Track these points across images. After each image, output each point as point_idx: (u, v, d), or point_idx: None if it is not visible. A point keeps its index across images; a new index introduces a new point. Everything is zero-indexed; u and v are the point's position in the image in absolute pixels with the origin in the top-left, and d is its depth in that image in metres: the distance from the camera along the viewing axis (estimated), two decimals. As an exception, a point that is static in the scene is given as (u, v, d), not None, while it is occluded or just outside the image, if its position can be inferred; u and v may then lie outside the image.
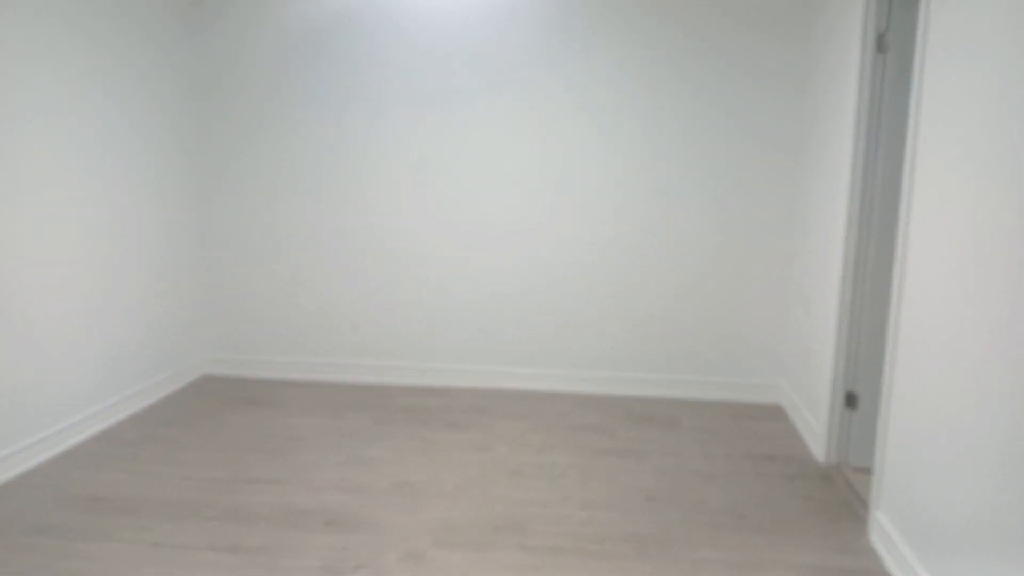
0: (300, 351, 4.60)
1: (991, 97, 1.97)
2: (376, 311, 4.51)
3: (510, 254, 4.36)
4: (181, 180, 4.32)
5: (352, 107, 4.31)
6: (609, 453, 3.51)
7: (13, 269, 3.12)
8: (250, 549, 2.61)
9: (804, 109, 4.01)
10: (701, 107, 4.08)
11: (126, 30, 3.78)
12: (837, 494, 3.11)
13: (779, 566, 2.54)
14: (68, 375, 3.48)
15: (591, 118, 4.16)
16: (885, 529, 2.58)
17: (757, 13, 3.96)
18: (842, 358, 3.33)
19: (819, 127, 3.72)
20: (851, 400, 3.34)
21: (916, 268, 2.44)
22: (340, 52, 4.27)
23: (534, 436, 3.72)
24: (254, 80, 4.35)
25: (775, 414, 4.10)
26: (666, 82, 4.08)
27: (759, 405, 4.25)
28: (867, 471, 3.20)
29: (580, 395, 4.37)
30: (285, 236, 4.49)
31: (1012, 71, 1.86)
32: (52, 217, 3.34)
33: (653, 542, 2.69)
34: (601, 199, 4.23)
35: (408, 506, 2.96)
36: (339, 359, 4.58)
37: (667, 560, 2.57)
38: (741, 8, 3.96)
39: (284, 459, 3.38)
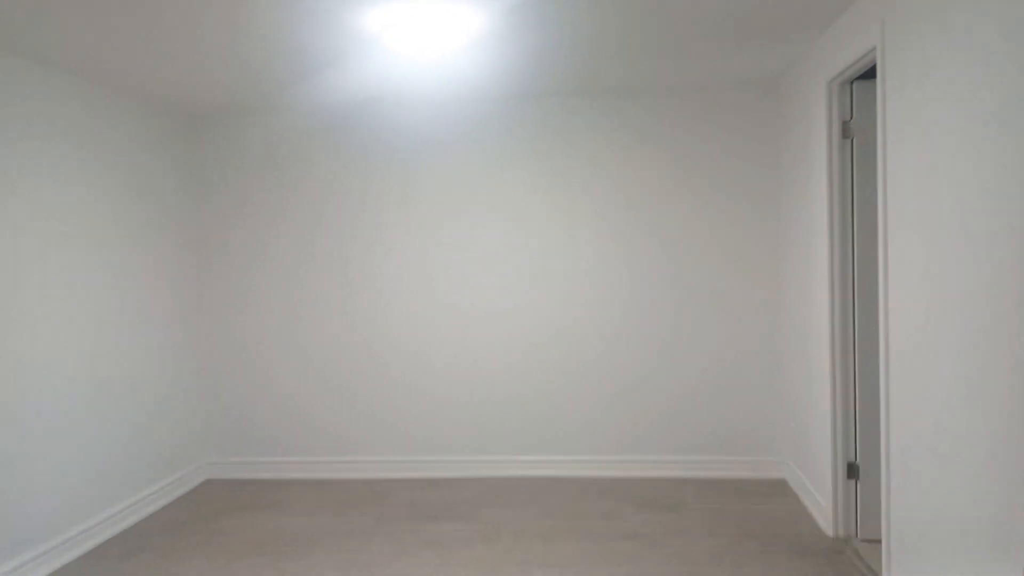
0: (301, 450, 4.59)
1: (945, 170, 2.12)
2: (376, 405, 4.53)
3: (509, 344, 4.43)
4: (179, 287, 4.42)
5: (339, 210, 4.47)
6: (616, 538, 3.48)
7: (7, 377, 3.16)
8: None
9: (780, 194, 4.19)
10: (682, 196, 4.26)
11: (131, 142, 3.96)
12: (848, 569, 3.10)
13: (796, 647, 2.50)
14: (63, 487, 3.45)
15: (583, 212, 4.33)
16: (899, 602, 2.57)
17: (727, 110, 4.20)
18: (840, 429, 3.37)
19: (796, 209, 3.89)
20: (853, 471, 3.36)
21: (897, 333, 2.53)
22: (331, 162, 4.46)
23: (539, 525, 3.69)
24: (240, 195, 4.52)
25: (780, 489, 4.10)
26: (649, 175, 4.28)
27: (763, 481, 4.25)
28: (878, 543, 3.19)
29: (582, 479, 4.36)
30: (283, 334, 4.56)
31: (960, 148, 2.02)
32: (51, 320, 3.40)
33: (667, 629, 2.66)
34: (597, 288, 4.35)
35: (417, 605, 2.91)
36: (339, 456, 4.56)
37: (683, 647, 2.53)
38: (712, 107, 4.21)
39: (282, 565, 3.33)
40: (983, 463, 1.98)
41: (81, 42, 3.01)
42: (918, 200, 2.35)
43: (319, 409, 4.57)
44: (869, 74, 3.07)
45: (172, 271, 4.33)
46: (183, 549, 3.53)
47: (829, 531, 3.44)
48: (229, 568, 3.29)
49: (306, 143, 4.48)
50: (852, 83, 3.19)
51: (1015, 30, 1.79)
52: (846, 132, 3.23)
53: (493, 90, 4.11)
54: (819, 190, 3.43)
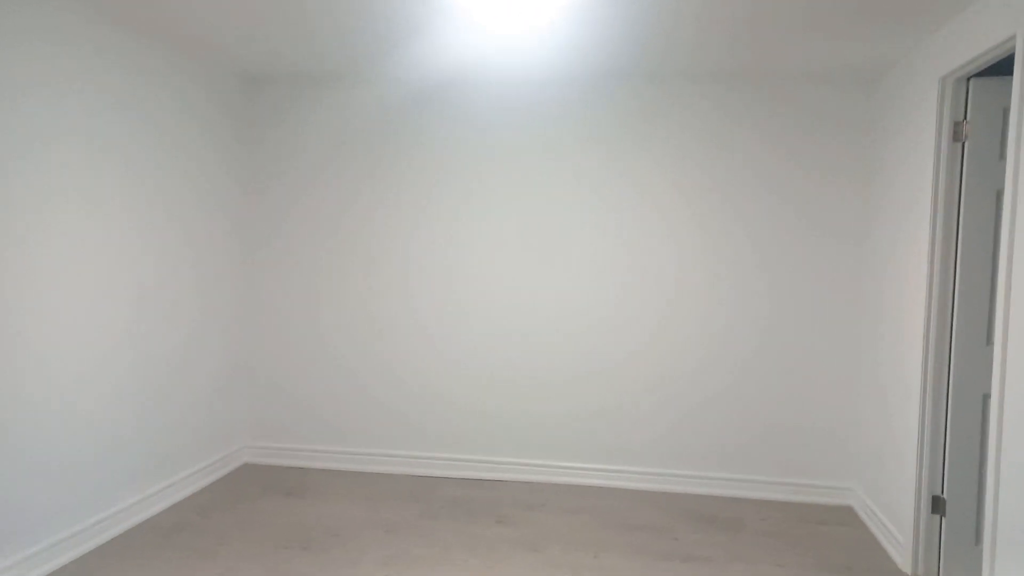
0: (343, 440, 4.45)
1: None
2: (423, 400, 4.37)
3: (562, 344, 4.22)
4: (224, 269, 4.32)
5: (398, 201, 4.31)
6: (671, 557, 3.25)
7: (53, 356, 3.07)
8: (292, 659, 2.40)
9: (871, 200, 3.90)
10: (762, 197, 4.00)
11: (185, 123, 3.86)
12: (931, 613, 2.82)
13: None
14: (108, 465, 3.36)
15: (650, 209, 4.09)
16: (998, 659, 2.30)
17: (823, 104, 3.92)
18: (927, 459, 3.08)
19: (889, 217, 3.60)
20: (938, 505, 3.07)
21: (1017, 364, 2.25)
22: (388, 149, 4.30)
23: (589, 535, 3.48)
24: (301, 173, 4.39)
25: (847, 518, 3.81)
26: (726, 173, 4.02)
27: (828, 507, 3.96)
28: (962, 587, 2.91)
29: (635, 491, 4.13)
30: (329, 325, 4.43)
31: None
32: (94, 302, 3.31)
33: (732, 665, 2.43)
34: (658, 290, 4.11)
35: (460, 613, 2.74)
36: (384, 448, 4.41)
37: None
38: (807, 99, 3.93)
39: (322, 555, 3.19)
40: None
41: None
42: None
43: (364, 399, 4.42)
44: (990, 71, 2.78)
45: (224, 252, 4.23)
46: (224, 533, 3.41)
47: (907, 568, 3.15)
48: (273, 556, 3.16)
49: (379, 121, 4.31)
50: (968, 80, 2.89)
51: None
52: (957, 135, 2.94)
53: (580, 71, 3.88)
54: (921, 197, 3.14)
